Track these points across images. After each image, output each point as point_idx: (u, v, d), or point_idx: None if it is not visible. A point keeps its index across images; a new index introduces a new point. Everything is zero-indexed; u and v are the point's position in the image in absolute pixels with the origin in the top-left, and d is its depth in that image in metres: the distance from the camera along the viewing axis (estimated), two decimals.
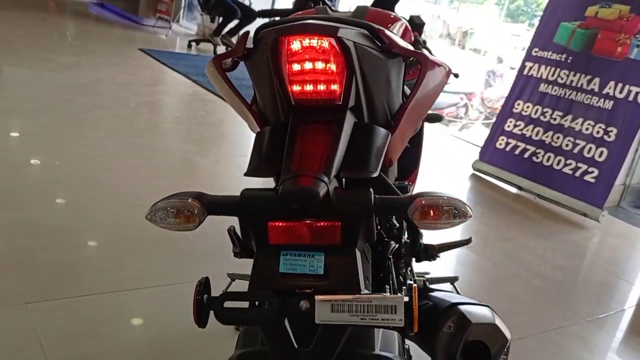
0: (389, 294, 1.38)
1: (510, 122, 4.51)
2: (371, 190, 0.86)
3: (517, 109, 4.50)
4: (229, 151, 4.30)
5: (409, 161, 1.97)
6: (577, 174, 4.13)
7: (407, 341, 1.40)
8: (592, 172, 4.07)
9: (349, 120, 1.00)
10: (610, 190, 4.02)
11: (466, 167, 4.70)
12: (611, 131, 4.06)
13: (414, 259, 1.56)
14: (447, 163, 4.89)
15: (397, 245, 1.45)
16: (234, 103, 1.30)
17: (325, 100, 0.96)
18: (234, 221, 1.14)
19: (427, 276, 1.73)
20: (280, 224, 0.83)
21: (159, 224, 0.87)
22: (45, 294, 2.07)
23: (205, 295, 0.85)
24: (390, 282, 1.41)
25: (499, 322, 1.20)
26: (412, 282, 1.55)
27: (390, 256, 1.43)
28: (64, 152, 3.41)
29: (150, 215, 0.87)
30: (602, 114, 4.12)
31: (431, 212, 0.81)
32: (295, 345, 0.84)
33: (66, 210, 2.80)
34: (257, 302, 0.88)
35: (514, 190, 4.44)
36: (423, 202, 0.82)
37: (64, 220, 2.66)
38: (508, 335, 1.20)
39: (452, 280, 1.72)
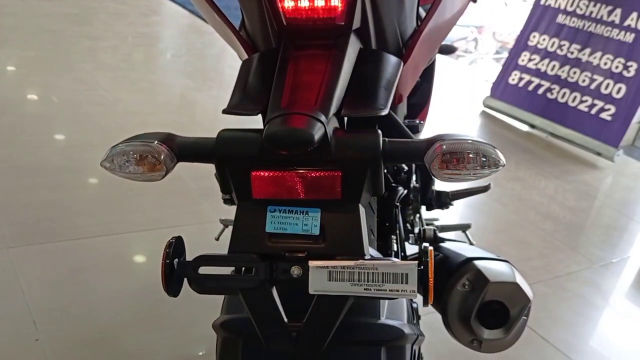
0: (395, 246, 1.24)
1: (525, 55, 4.26)
2: (379, 132, 0.69)
3: (532, 41, 4.24)
4: (228, 86, 4.09)
5: (420, 97, 1.79)
6: (593, 111, 3.92)
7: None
8: (609, 109, 3.86)
9: (353, 46, 0.82)
10: (627, 128, 3.83)
11: (476, 104, 4.49)
12: (631, 66, 3.82)
13: (424, 209, 1.41)
14: (455, 99, 4.67)
15: (405, 192, 1.30)
16: (220, 28, 1.12)
17: (324, 20, 0.78)
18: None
19: (436, 223, 1.58)
20: (266, 173, 0.67)
21: (117, 173, 0.71)
22: (29, 238, 1.94)
23: (176, 260, 0.70)
24: (397, 232, 1.27)
25: (519, 280, 1.06)
26: (419, 229, 1.41)
27: (398, 204, 1.29)
28: (51, 86, 3.21)
29: (107, 161, 0.71)
30: (622, 47, 3.87)
31: (454, 159, 0.65)
32: (285, 319, 0.69)
33: (53, 148, 2.64)
34: (239, 268, 0.73)
35: (525, 128, 4.24)
36: (444, 147, 0.65)
37: (50, 160, 2.51)
38: (530, 295, 1.06)
39: (464, 227, 1.57)
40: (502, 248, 2.54)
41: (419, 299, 1.03)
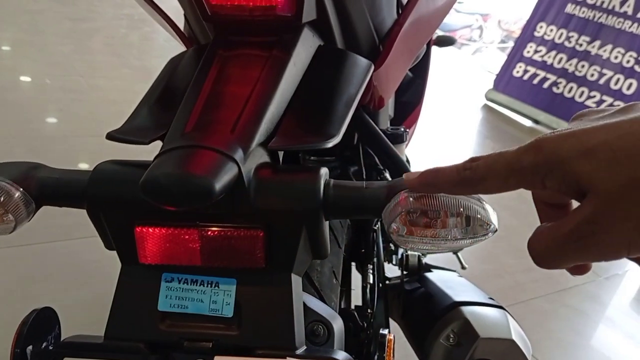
0: (371, 278, 1.05)
1: (531, 47, 4.04)
2: (322, 172, 0.48)
3: (539, 32, 4.02)
4: None
5: (411, 95, 1.59)
6: (601, 107, 3.71)
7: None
8: (618, 105, 3.65)
9: (306, 44, 0.62)
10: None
11: (478, 97, 4.28)
12: None
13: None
14: (457, 91, 4.46)
15: None
16: (159, 21, 0.93)
17: (262, 10, 0.58)
18: None
19: None
20: (156, 230, 0.47)
21: None
22: None
23: (30, 347, 0.50)
24: (375, 259, 1.08)
25: (516, 334, 0.87)
26: (402, 255, 1.22)
27: (376, 227, 1.10)
28: (23, 70, 3.01)
29: None
30: (634, 40, 3.65)
31: (424, 219, 0.44)
32: None
33: (18, 139, 2.44)
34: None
35: (529, 123, 4.03)
36: (410, 199, 0.45)
37: (13, 152, 2.31)
38: (528, 353, 0.86)
39: (455, 250, 1.38)
40: (501, 257, 2.34)
41: None
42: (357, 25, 0.74)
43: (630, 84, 3.63)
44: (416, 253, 1.19)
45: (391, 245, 1.31)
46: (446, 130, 3.63)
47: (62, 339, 0.53)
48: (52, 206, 0.52)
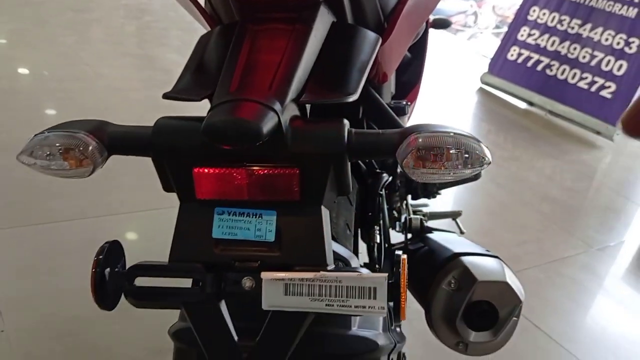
0: (377, 238, 1.15)
1: (524, 30, 4.13)
2: (345, 122, 0.59)
3: (532, 16, 4.11)
4: None
5: (410, 75, 1.68)
6: (593, 88, 3.81)
7: None
8: (609, 86, 3.75)
9: (323, 19, 0.72)
10: (627, 106, 3.72)
11: (474, 80, 4.37)
12: (633, 42, 3.70)
13: (409, 198, 1.31)
14: (452, 75, 4.54)
15: (390, 178, 1.20)
16: (183, 2, 1.02)
17: None
18: None
19: (425, 209, 1.49)
20: (211, 170, 0.57)
21: (36, 168, 0.61)
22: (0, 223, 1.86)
23: (108, 270, 0.61)
24: (382, 221, 1.18)
25: (510, 278, 0.97)
26: (405, 218, 1.31)
27: (382, 192, 1.19)
28: (30, 60, 3.09)
29: (25, 154, 0.61)
30: (624, 23, 3.74)
31: (431, 155, 0.55)
32: (236, 338, 0.60)
33: (29, 126, 2.52)
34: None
35: (524, 105, 4.13)
36: (420, 140, 0.54)
37: (25, 139, 2.40)
38: (521, 295, 0.97)
39: (454, 215, 1.48)
40: (496, 231, 2.45)
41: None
42: (366, 4, 0.83)
43: (621, 65, 3.73)
44: (418, 217, 1.29)
45: (394, 212, 1.41)
46: (443, 114, 3.73)
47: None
48: (120, 155, 0.61)
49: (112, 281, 0.60)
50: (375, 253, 1.14)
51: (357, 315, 0.59)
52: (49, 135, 0.59)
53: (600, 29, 3.83)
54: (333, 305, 0.56)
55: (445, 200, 2.27)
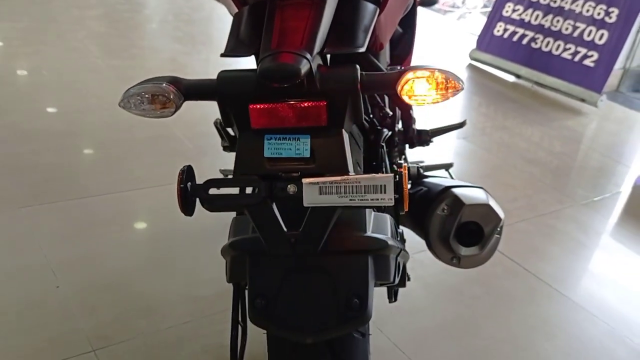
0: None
1: (509, 6, 4.33)
2: (357, 66, 0.80)
3: None
4: (217, 49, 4.15)
5: (402, 47, 1.89)
6: (576, 58, 4.01)
7: (401, 228, 1.40)
8: (592, 55, 3.96)
9: None
10: (610, 74, 3.93)
11: (463, 57, 4.57)
12: (612, 12, 3.90)
13: (407, 146, 1.52)
14: (443, 54, 4.75)
15: (390, 133, 1.41)
16: None
17: None
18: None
19: (421, 164, 1.70)
20: (262, 106, 0.78)
21: (133, 111, 0.82)
22: (39, 198, 2.06)
23: (189, 183, 0.82)
24: (383, 169, 1.39)
25: (492, 202, 1.19)
26: (409, 167, 1.53)
27: (383, 144, 1.40)
28: (45, 56, 3.28)
29: (123, 102, 0.82)
30: None
31: (420, 85, 0.76)
32: (285, 229, 0.82)
33: (53, 115, 2.73)
34: (244, 189, 0.85)
35: (512, 78, 4.34)
36: (411, 75, 0.76)
37: (52, 125, 2.61)
38: (501, 215, 1.19)
39: (446, 166, 1.70)
40: (488, 191, 2.66)
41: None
42: None
43: (602, 35, 3.93)
44: (415, 165, 1.50)
45: (394, 166, 1.63)
46: None
47: None
48: (193, 100, 0.82)
49: (192, 192, 0.81)
50: None
51: (373, 207, 0.80)
52: (141, 86, 0.80)
53: (581, 1, 4.03)
54: (355, 199, 0.78)
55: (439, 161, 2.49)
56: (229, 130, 1.38)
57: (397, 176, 0.79)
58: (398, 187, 0.79)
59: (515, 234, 2.35)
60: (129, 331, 1.56)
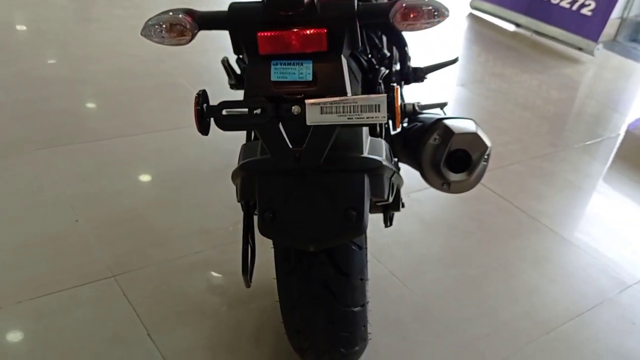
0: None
1: None
2: None
3: None
4: None
5: None
6: (574, 7, 4.04)
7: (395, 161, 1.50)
8: (589, 4, 3.98)
9: None
10: (606, 23, 3.96)
11: (464, 6, 4.59)
12: None
13: (404, 84, 1.61)
14: (443, 2, 4.76)
15: (387, 71, 1.50)
16: None
17: None
18: (227, 52, 1.18)
19: (417, 103, 1.79)
20: (269, 33, 0.87)
21: (153, 39, 0.91)
22: (53, 141, 2.16)
23: (205, 105, 0.92)
24: None
25: (480, 131, 1.29)
26: (404, 104, 1.62)
27: (381, 81, 1.49)
28: (48, 5, 3.33)
29: (144, 31, 0.91)
30: None
31: (411, 13, 0.85)
32: (290, 146, 0.92)
33: (61, 62, 2.81)
34: (253, 110, 0.95)
35: (511, 28, 4.38)
36: (404, 5, 0.86)
37: (61, 72, 2.68)
38: (488, 143, 1.29)
39: (441, 105, 1.78)
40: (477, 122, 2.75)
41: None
42: None
43: None
44: (412, 102, 1.60)
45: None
46: (435, 38, 3.97)
47: None
48: (206, 30, 0.91)
49: (207, 113, 0.91)
50: (378, 128, 1.45)
51: (369, 124, 0.90)
52: (160, 17, 0.89)
53: None
54: (352, 118, 0.88)
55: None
56: (235, 68, 1.47)
57: (390, 96, 0.89)
58: (390, 105, 0.88)
59: (508, 175, 2.46)
60: (145, 260, 1.68)
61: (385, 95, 0.88)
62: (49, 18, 3.21)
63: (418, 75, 1.53)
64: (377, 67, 1.47)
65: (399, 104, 0.88)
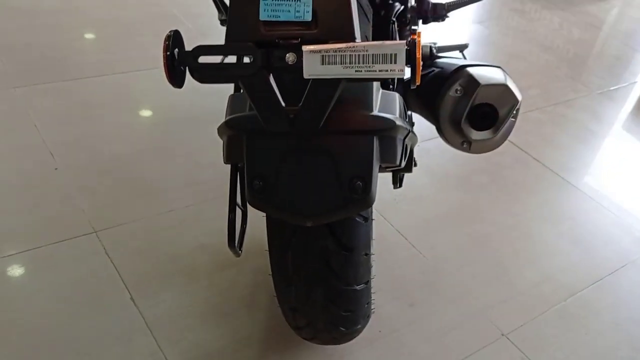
0: None
1: None
2: None
3: None
4: None
5: None
6: None
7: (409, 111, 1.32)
8: None
9: None
10: None
11: None
12: None
13: (420, 24, 1.41)
14: None
15: (402, 7, 1.30)
16: None
17: None
18: None
19: (434, 45, 1.59)
20: None
21: None
22: (34, 78, 1.98)
23: (176, 50, 0.73)
24: None
25: (510, 82, 1.10)
26: (416, 30, 1.43)
27: (394, 19, 1.29)
28: None
29: None
30: None
31: None
32: (283, 104, 0.74)
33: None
34: (238, 57, 0.76)
35: None
36: None
37: (44, 1, 2.46)
38: (519, 96, 1.10)
39: (461, 47, 1.57)
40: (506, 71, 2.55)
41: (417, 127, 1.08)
42: None
43: None
44: (428, 44, 1.40)
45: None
46: None
47: None
48: None
49: (180, 60, 0.73)
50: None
51: (381, 79, 0.72)
52: None
53: None
54: (361, 70, 0.70)
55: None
56: (226, 0, 1.26)
57: (409, 44, 0.70)
58: (410, 56, 0.70)
59: (527, 123, 2.27)
60: (130, 214, 1.54)
61: (404, 42, 0.69)
62: None
63: (438, 12, 1.32)
64: (390, 1, 1.27)
65: (421, 54, 0.70)
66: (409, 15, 1.39)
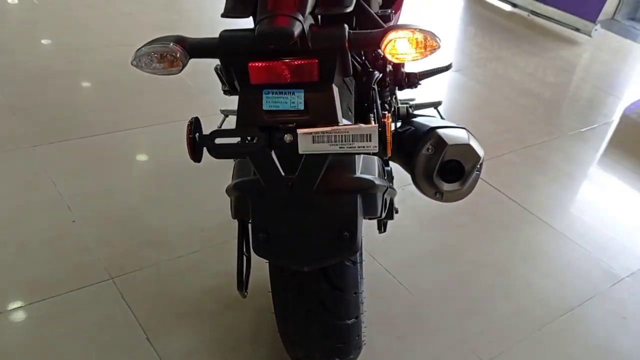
0: (373, 122, 1.46)
1: None
2: (345, 26, 0.88)
3: None
4: None
5: None
6: None
7: (391, 164, 1.51)
8: None
9: None
10: (604, 3, 3.93)
11: None
12: None
13: (397, 90, 1.61)
14: None
15: (380, 75, 1.49)
16: None
17: None
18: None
19: (412, 102, 1.79)
20: (260, 64, 0.87)
21: (144, 70, 0.91)
22: (49, 137, 2.16)
23: (197, 134, 0.92)
24: (375, 109, 1.48)
25: (473, 142, 1.29)
26: (394, 107, 1.63)
27: (374, 86, 1.49)
28: None
29: (135, 61, 0.91)
30: None
31: (402, 44, 0.85)
32: (283, 174, 0.93)
33: (53, 52, 2.79)
34: (246, 138, 0.95)
35: (508, 7, 4.33)
36: (394, 34, 0.85)
37: (53, 63, 2.67)
38: (481, 153, 1.29)
39: (435, 105, 1.79)
40: (478, 123, 2.76)
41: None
42: None
43: None
44: (405, 105, 1.60)
45: (386, 105, 1.72)
46: (430, 18, 3.94)
47: None
48: (198, 58, 0.91)
49: (200, 142, 0.92)
50: None
51: (359, 154, 0.91)
52: (150, 47, 0.88)
53: None
54: (344, 147, 0.89)
55: (431, 97, 2.58)
56: None
57: (381, 125, 0.90)
58: (382, 135, 0.89)
59: (503, 165, 2.47)
60: (142, 261, 1.70)
61: (376, 126, 0.88)
62: (43, 4, 3.17)
63: (411, 81, 1.53)
64: (370, 70, 1.47)
65: (390, 134, 0.89)
66: (387, 80, 1.59)
